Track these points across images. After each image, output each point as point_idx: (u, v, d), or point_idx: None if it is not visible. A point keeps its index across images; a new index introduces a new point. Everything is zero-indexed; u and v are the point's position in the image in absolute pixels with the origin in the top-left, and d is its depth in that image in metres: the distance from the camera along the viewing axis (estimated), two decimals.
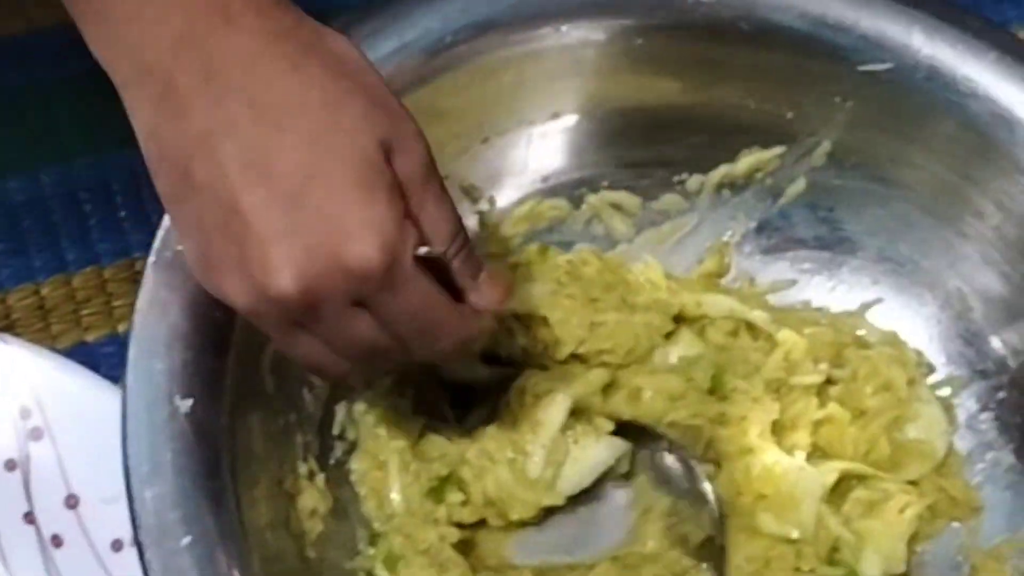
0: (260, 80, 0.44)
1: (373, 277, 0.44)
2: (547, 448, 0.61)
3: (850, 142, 0.65)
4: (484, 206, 0.66)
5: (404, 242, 0.45)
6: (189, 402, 0.50)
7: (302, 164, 0.44)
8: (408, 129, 0.47)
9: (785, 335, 0.65)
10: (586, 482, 0.62)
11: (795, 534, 0.61)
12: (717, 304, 0.66)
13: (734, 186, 0.67)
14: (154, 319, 0.52)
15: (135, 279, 0.66)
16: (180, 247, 0.52)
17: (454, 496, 0.61)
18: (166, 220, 0.54)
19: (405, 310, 0.46)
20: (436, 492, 0.61)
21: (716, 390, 0.64)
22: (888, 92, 0.63)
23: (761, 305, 0.67)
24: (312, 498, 0.58)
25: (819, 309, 0.68)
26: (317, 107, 0.44)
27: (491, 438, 0.61)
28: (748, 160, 0.67)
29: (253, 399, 0.55)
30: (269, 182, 0.43)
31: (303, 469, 0.58)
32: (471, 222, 0.65)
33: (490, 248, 0.66)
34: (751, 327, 0.66)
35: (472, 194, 0.65)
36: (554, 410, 0.61)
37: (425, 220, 0.47)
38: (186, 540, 0.48)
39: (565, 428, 0.61)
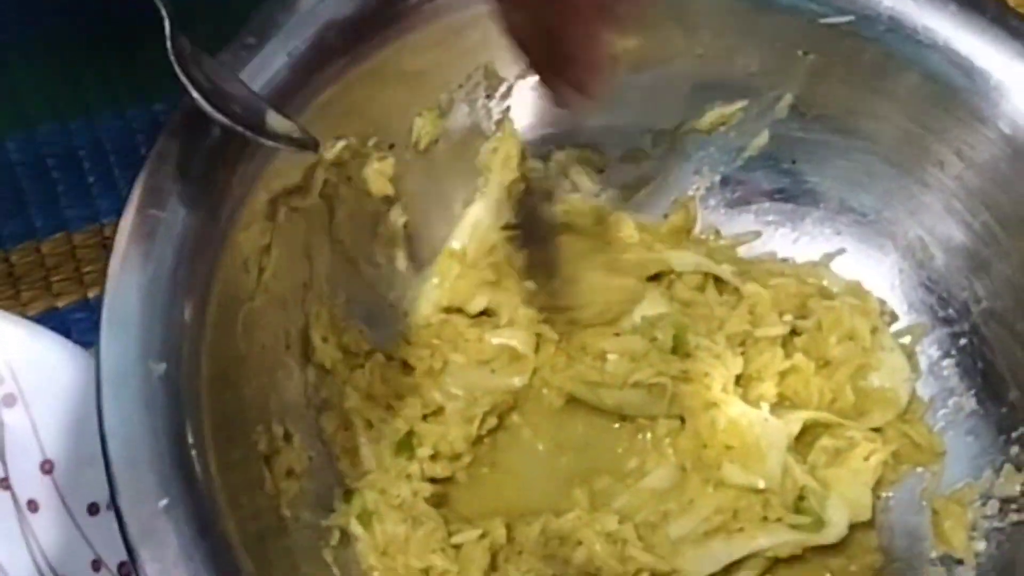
0: None
1: None
2: None
3: (812, 95, 0.66)
4: None
5: None
6: (163, 366, 0.50)
7: None
8: None
9: (750, 288, 0.66)
10: None
11: (761, 484, 0.62)
12: (684, 259, 0.66)
13: (698, 141, 0.68)
14: (126, 283, 0.51)
15: (104, 245, 0.67)
16: None
17: (423, 451, 0.62)
18: (138, 184, 0.54)
19: None
20: (403, 447, 0.62)
21: (678, 349, 0.64)
22: (849, 44, 0.63)
23: (728, 258, 0.67)
24: (288, 459, 0.58)
25: (784, 260, 0.69)
26: None
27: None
28: (712, 115, 0.67)
29: (228, 361, 0.55)
30: None
31: (279, 430, 0.58)
32: None
33: None
34: (718, 281, 0.66)
35: None
36: None
37: None
38: (163, 502, 0.48)
39: None
